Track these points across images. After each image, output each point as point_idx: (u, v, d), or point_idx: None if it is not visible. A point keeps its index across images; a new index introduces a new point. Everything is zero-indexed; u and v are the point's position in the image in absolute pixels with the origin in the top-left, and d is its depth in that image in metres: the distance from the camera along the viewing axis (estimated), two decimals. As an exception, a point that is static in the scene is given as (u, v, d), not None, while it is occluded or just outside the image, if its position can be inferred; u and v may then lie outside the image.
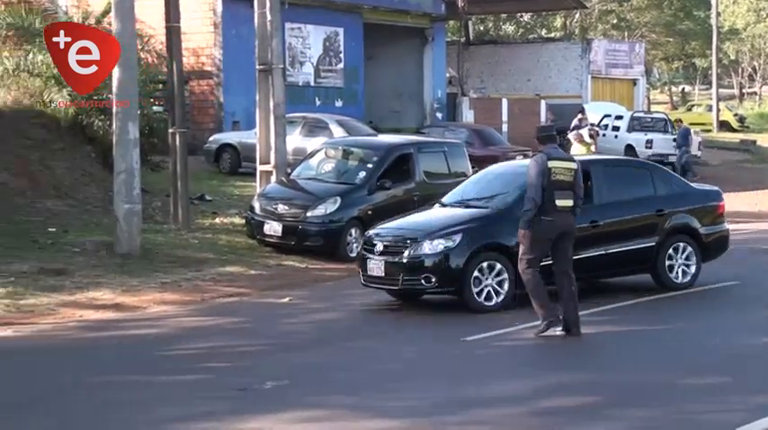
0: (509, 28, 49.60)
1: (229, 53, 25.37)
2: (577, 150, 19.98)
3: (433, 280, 10.61)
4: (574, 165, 9.51)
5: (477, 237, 10.73)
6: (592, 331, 9.78)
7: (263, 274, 13.69)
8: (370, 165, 15.43)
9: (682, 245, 11.73)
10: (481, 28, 46.33)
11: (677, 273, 11.73)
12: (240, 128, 24.94)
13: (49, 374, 8.53)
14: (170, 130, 16.58)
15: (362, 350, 9.47)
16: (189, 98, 23.80)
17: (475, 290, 10.57)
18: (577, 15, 48.02)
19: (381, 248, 10.94)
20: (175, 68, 16.40)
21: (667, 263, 11.66)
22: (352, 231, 14.69)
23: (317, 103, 27.55)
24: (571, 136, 21.04)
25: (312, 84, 28.02)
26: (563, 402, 7.47)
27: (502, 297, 10.65)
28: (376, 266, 10.91)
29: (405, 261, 10.72)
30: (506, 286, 10.63)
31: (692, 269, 11.79)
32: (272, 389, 7.96)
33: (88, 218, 15.99)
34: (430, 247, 10.66)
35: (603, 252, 11.25)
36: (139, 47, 17.19)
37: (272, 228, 14.93)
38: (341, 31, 28.65)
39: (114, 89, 14.16)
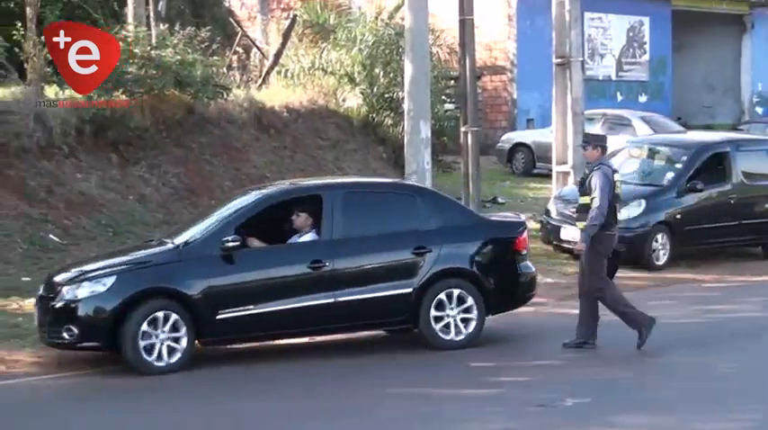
0: None
1: (524, 46, 25.41)
2: None
3: (76, 332, 8.94)
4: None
5: (139, 281, 9.12)
6: None
7: (560, 283, 13.56)
8: (678, 165, 15.04)
9: (455, 292, 9.67)
10: (810, 11, 43.39)
11: (451, 328, 9.69)
12: (534, 126, 24.91)
13: (350, 386, 8.88)
14: (462, 129, 16.78)
15: (670, 365, 9.21)
16: (481, 95, 24.08)
17: (143, 343, 8.91)
18: None
19: (41, 292, 9.40)
20: (468, 63, 16.57)
21: (434, 314, 9.63)
22: (659, 237, 14.41)
23: (619, 98, 27.02)
24: None
25: (613, 77, 27.50)
26: None
27: (178, 355, 9.00)
28: (36, 313, 9.44)
29: (50, 307, 9.13)
30: (184, 342, 9.02)
31: (472, 323, 9.72)
32: (573, 406, 7.89)
33: (378, 221, 16.53)
34: (74, 292, 9.05)
35: (332, 301, 9.43)
36: (431, 41, 17.57)
37: (570, 232, 14.65)
38: (646, 20, 27.93)
39: (406, 86, 14.57)
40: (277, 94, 17.81)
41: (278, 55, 19.11)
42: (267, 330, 9.41)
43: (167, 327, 8.95)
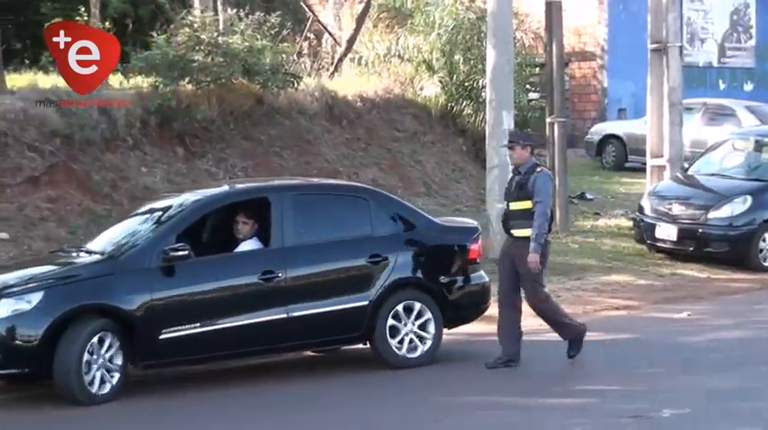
0: None
1: (616, 31, 25.23)
2: None
3: None
4: None
5: (71, 297, 8.41)
6: None
7: (654, 285, 13.49)
8: (789, 159, 14.97)
9: (412, 304, 9.41)
10: None
11: (406, 343, 9.38)
12: (626, 116, 24.74)
13: (423, 394, 8.89)
14: (547, 120, 16.79)
15: (779, 377, 9.08)
16: (568, 83, 23.95)
17: (85, 369, 8.25)
18: None
19: None
20: (555, 50, 16.56)
21: (390, 327, 9.31)
22: (767, 236, 14.28)
23: (721, 86, 26.68)
24: None
25: (715, 64, 27.15)
26: None
27: (114, 381, 8.42)
28: None
29: None
30: (120, 366, 8.45)
31: (430, 338, 9.43)
32: (670, 417, 7.82)
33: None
34: None
35: (285, 316, 8.98)
36: (515, 26, 17.54)
37: (666, 231, 14.65)
38: (752, 1, 27.51)
39: (488, 74, 14.57)
40: (350, 83, 17.91)
41: (351, 41, 19.24)
42: (215, 351, 8.89)
43: (104, 350, 8.37)
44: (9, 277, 8.81)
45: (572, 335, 9.51)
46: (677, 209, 14.78)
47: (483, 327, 10.33)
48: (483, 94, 16.79)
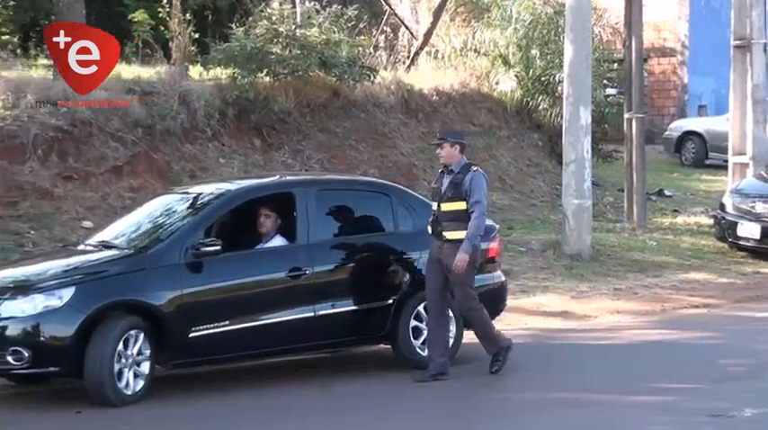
0: None
1: (697, 27, 24.96)
2: None
3: (26, 356, 7.87)
4: None
5: (103, 293, 8.10)
6: None
7: (736, 283, 13.36)
8: None
9: None
10: None
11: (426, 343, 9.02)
12: (707, 113, 24.50)
13: (501, 388, 8.88)
14: (625, 116, 16.69)
15: None
16: (647, 79, 23.73)
17: (116, 368, 7.98)
18: None
19: None
20: (634, 45, 16.46)
21: (413, 328, 9.05)
22: None
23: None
24: None
25: (799, 61, 26.65)
26: None
27: (142, 381, 8.13)
28: None
29: None
30: (148, 366, 8.14)
31: (451, 338, 9.11)
32: (752, 417, 7.72)
33: (534, 213, 16.53)
34: (20, 307, 7.96)
35: (312, 314, 8.72)
36: (593, 20, 17.43)
37: (749, 229, 14.49)
38: (838, -4, 26.94)
39: (565, 69, 14.50)
40: (426, 77, 17.96)
41: (428, 35, 19.26)
42: (244, 350, 8.63)
43: (134, 349, 8.10)
44: (28, 271, 8.52)
45: (497, 349, 8.97)
46: (761, 207, 14.61)
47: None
48: (559, 89, 16.74)
